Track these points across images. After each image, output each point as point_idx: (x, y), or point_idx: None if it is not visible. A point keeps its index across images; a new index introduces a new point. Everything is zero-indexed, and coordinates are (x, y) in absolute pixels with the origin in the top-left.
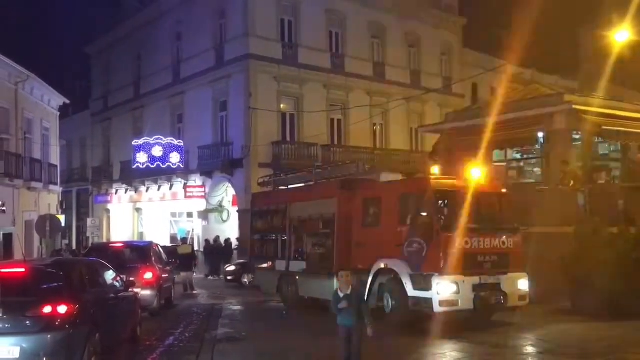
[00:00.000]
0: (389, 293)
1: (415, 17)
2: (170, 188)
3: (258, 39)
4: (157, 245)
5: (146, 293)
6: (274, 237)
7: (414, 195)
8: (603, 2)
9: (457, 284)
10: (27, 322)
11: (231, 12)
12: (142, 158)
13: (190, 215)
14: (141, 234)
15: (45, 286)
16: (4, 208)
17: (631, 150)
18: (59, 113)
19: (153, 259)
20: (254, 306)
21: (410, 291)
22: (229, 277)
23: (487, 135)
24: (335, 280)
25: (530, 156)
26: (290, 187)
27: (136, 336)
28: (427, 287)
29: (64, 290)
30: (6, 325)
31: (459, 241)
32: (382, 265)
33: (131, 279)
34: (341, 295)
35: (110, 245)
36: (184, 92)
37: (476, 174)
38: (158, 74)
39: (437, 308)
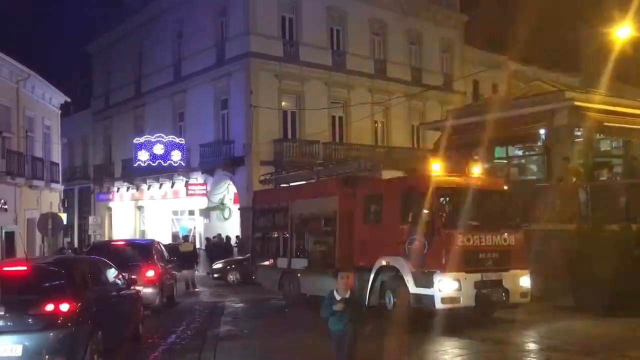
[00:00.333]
0: (390, 290)
1: (416, 14)
2: (172, 186)
3: (259, 37)
4: (158, 243)
5: (148, 291)
6: (275, 235)
7: (415, 192)
8: None
9: (458, 281)
10: (30, 320)
11: (232, 10)
12: (143, 156)
13: (191, 213)
14: (143, 232)
15: (47, 284)
16: (6, 206)
17: (633, 147)
18: (60, 111)
19: (155, 256)
20: (256, 304)
21: (412, 288)
22: (215, 275)
23: (488, 133)
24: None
25: (532, 153)
26: (291, 184)
27: (138, 334)
28: (429, 284)
29: (66, 288)
30: (9, 324)
31: (460, 238)
32: (384, 263)
33: (133, 276)
34: (338, 297)
35: (112, 243)
36: (185, 90)
37: (477, 171)
38: (159, 72)
39: (438, 305)
